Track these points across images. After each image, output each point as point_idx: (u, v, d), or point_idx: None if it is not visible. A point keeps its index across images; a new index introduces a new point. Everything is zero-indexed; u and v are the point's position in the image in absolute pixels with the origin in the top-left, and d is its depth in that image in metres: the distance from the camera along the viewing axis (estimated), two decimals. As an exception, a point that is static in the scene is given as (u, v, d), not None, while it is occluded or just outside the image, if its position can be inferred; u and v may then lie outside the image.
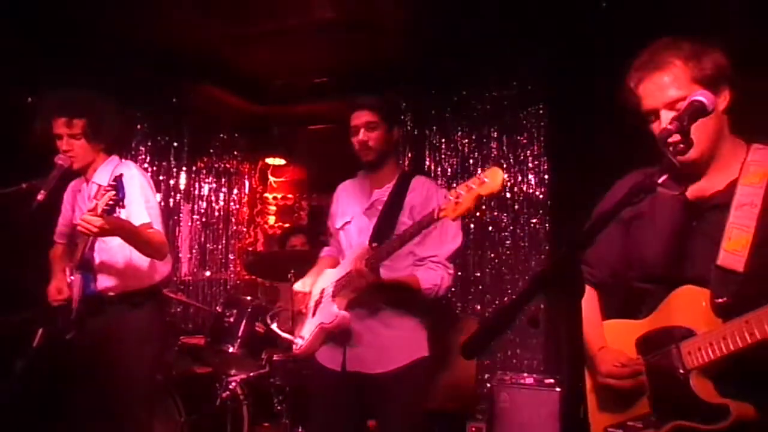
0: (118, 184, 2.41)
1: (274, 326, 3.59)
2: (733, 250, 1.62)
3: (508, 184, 4.68)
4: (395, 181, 2.66)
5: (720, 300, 1.61)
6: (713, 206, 1.71)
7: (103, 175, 2.86)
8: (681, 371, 1.63)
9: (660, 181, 1.69)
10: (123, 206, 2.50)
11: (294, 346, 2.65)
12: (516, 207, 4.70)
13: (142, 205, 2.76)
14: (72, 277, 2.83)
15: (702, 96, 1.51)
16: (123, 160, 2.97)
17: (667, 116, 1.65)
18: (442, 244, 2.51)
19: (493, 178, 1.95)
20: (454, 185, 2.10)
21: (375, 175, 2.68)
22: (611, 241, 1.88)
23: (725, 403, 1.55)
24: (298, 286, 2.75)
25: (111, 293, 2.80)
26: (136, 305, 2.82)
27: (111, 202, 2.40)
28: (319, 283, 2.71)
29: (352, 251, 2.54)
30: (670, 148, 1.62)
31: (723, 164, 1.72)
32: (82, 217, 2.46)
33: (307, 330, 2.59)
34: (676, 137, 1.61)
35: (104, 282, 2.80)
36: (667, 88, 1.66)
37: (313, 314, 2.62)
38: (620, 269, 1.91)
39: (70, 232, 2.99)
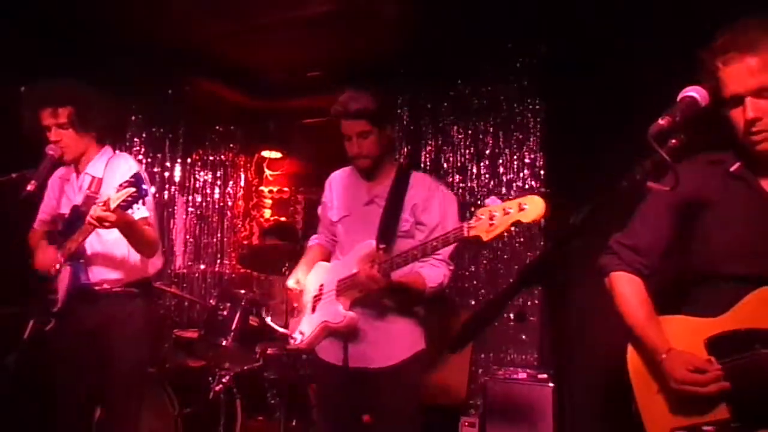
0: (137, 181, 2.35)
1: (268, 320, 3.57)
2: None
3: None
4: (393, 176, 2.61)
5: None
6: None
7: (97, 166, 2.84)
8: None
9: (732, 169, 1.64)
10: (144, 203, 2.48)
11: (291, 341, 2.62)
12: (512, 202, 4.69)
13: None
14: (58, 266, 2.76)
15: (693, 91, 1.45)
16: (117, 152, 2.95)
17: (754, 105, 1.53)
18: None
19: (534, 208, 1.88)
20: (486, 202, 2.01)
21: (372, 171, 2.64)
22: (663, 228, 1.77)
23: None
24: (291, 283, 2.70)
25: (105, 285, 2.77)
26: (130, 298, 2.80)
27: (130, 199, 2.35)
28: (314, 277, 2.67)
29: (356, 250, 2.49)
30: (752, 137, 1.54)
31: None
32: (95, 214, 2.39)
33: (308, 326, 2.56)
34: (762, 125, 1.50)
35: (98, 274, 2.76)
36: (756, 73, 1.52)
37: (313, 310, 2.59)
38: (674, 259, 1.78)
39: (51, 220, 2.95)
